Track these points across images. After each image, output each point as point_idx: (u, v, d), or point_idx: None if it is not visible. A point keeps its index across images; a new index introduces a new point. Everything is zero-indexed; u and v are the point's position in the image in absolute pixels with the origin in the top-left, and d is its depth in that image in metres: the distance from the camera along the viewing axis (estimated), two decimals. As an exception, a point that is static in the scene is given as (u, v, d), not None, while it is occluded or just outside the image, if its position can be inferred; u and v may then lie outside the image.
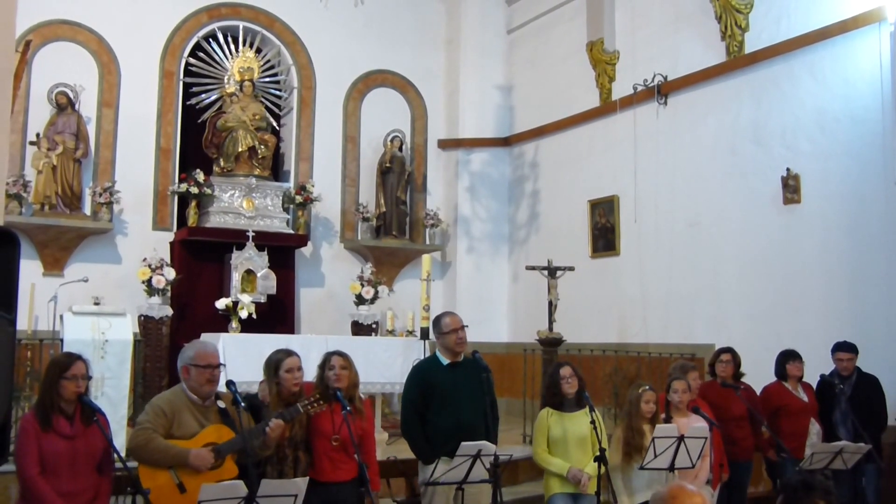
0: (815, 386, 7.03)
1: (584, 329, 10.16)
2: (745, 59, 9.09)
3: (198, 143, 11.04)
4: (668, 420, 5.79)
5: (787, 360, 6.94)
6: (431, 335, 6.20)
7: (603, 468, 5.38)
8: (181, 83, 11.13)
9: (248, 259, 10.20)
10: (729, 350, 6.94)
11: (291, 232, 11.12)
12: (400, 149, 12.08)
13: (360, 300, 10.92)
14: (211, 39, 11.30)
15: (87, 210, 10.24)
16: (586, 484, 5.56)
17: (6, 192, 8.63)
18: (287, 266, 11.02)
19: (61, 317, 7.43)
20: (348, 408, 4.82)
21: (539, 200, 12.00)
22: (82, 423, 4.37)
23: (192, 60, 11.16)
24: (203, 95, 11.09)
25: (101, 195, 10.14)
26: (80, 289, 9.51)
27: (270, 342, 8.00)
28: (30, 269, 9.58)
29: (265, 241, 10.46)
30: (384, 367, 8.49)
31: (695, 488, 2.57)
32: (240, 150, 10.77)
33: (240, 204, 10.67)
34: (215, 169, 10.86)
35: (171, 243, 10.68)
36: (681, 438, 5.38)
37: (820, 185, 8.31)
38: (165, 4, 11.05)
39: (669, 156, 9.88)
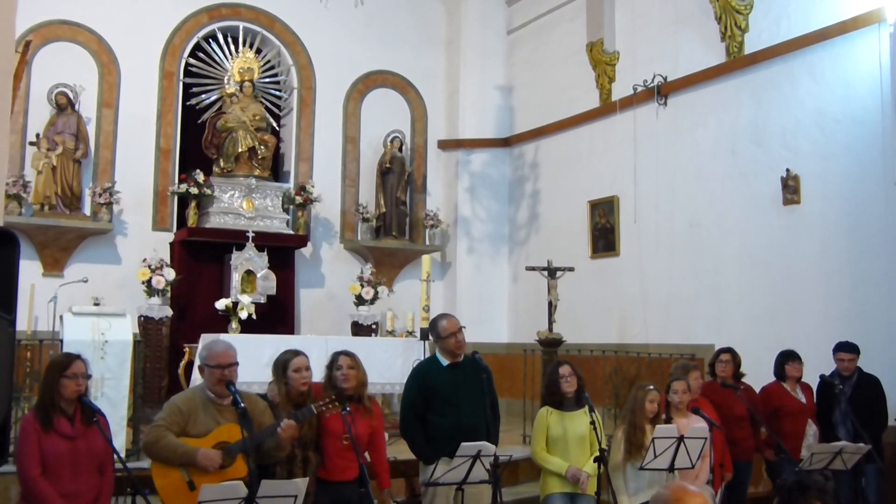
0: (814, 386, 7.03)
1: (584, 329, 10.16)
2: (745, 59, 9.09)
3: (198, 144, 11.04)
4: (668, 420, 5.79)
5: (787, 360, 6.94)
6: (430, 338, 6.20)
7: (602, 468, 5.38)
8: (181, 83, 11.13)
9: (247, 260, 10.20)
10: (729, 350, 6.94)
11: (291, 232, 11.12)
12: (400, 149, 12.08)
13: (360, 301, 10.92)
14: (211, 40, 11.30)
15: (87, 210, 10.24)
16: (585, 483, 5.56)
17: (6, 193, 8.62)
18: (287, 267, 11.02)
19: (61, 317, 7.43)
20: (348, 408, 4.82)
21: (539, 201, 12.00)
22: (83, 423, 4.38)
23: (192, 61, 11.17)
24: (203, 96, 11.09)
25: (100, 195, 10.14)
26: (80, 289, 9.51)
27: (270, 343, 8.02)
28: (29, 269, 9.58)
29: (265, 241, 10.46)
30: (384, 367, 8.49)
31: (696, 488, 2.57)
32: (240, 150, 10.77)
33: (240, 204, 10.67)
34: (215, 169, 10.86)
35: (171, 244, 10.69)
36: (681, 439, 5.38)
37: (820, 185, 8.31)
38: (165, 5, 11.05)
39: (669, 156, 9.88)
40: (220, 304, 9.72)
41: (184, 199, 10.73)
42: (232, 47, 11.26)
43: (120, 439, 6.54)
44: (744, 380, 6.91)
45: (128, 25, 10.76)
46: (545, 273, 9.20)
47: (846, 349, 6.81)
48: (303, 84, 11.90)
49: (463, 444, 4.96)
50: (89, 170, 10.40)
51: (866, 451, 6.05)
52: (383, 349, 8.78)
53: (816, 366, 6.97)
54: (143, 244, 10.32)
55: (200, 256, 10.49)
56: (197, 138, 11.08)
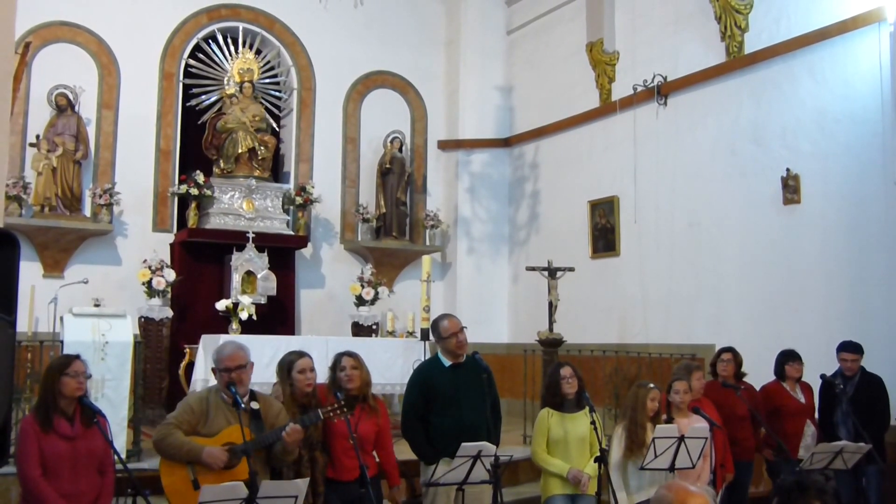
0: (814, 386, 7.03)
1: (584, 330, 10.16)
2: (745, 59, 9.09)
3: (198, 145, 11.04)
4: (669, 420, 5.79)
5: (787, 360, 6.94)
6: (431, 338, 6.20)
7: (602, 468, 5.38)
8: (181, 84, 11.13)
9: (248, 260, 10.20)
10: (730, 350, 6.94)
11: (291, 233, 11.12)
12: (400, 150, 12.07)
13: (361, 301, 10.92)
14: (210, 41, 11.31)
15: (87, 212, 10.25)
16: (586, 484, 5.55)
17: (6, 194, 8.63)
18: (287, 267, 11.02)
19: (61, 318, 7.43)
20: (350, 412, 4.82)
21: (539, 201, 12.00)
22: (82, 424, 4.38)
23: (191, 62, 11.17)
24: (203, 97, 11.09)
25: (100, 197, 10.14)
26: (81, 290, 9.52)
27: (271, 344, 8.03)
28: (30, 270, 9.59)
29: (265, 242, 10.46)
30: (384, 368, 8.49)
31: (698, 489, 2.57)
32: (240, 151, 10.77)
33: (240, 205, 10.67)
34: (215, 170, 10.86)
35: (171, 245, 10.69)
36: (681, 439, 5.38)
37: (820, 185, 8.31)
38: (165, 6, 11.06)
39: (669, 156, 9.88)
40: (221, 304, 9.73)
41: (184, 200, 10.73)
42: (231, 48, 11.26)
43: (121, 440, 6.54)
44: (744, 379, 6.91)
45: (127, 26, 10.76)
46: (545, 273, 9.19)
47: (849, 349, 6.78)
48: (303, 85, 11.90)
49: (463, 444, 4.96)
50: (89, 171, 10.40)
51: (867, 450, 6.05)
52: (383, 350, 8.79)
53: (816, 365, 6.97)
54: (144, 245, 10.33)
55: (201, 257, 10.49)
56: (197, 139, 11.08)
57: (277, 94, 11.64)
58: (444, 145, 12.73)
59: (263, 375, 6.12)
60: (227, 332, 9.26)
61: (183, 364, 9.26)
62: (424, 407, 5.40)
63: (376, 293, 10.94)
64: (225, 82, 11.12)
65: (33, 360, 8.50)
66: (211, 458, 4.39)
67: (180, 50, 11.16)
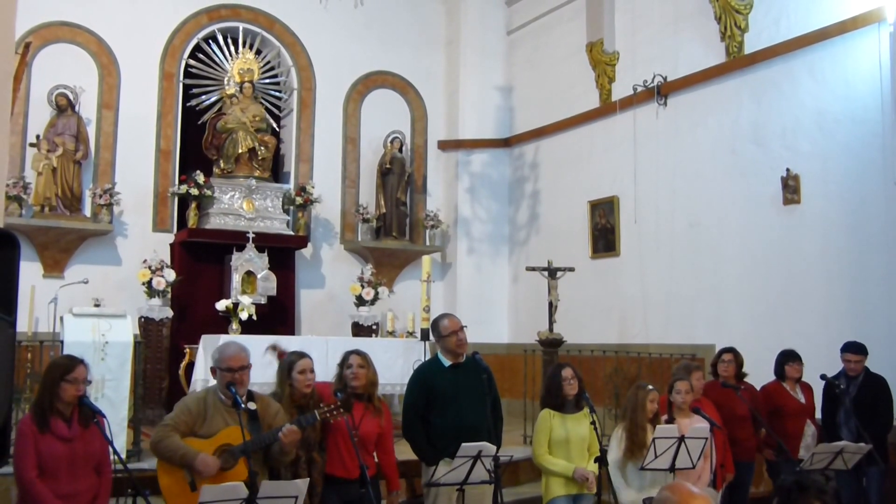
0: (814, 386, 7.02)
1: (584, 330, 10.16)
2: (745, 59, 9.09)
3: (198, 145, 11.04)
4: (670, 420, 5.79)
5: (787, 360, 6.94)
6: (431, 338, 6.21)
7: (603, 468, 5.39)
8: (181, 85, 11.13)
9: (248, 260, 10.20)
10: (731, 350, 6.93)
11: (291, 233, 11.12)
12: (400, 150, 12.07)
13: (361, 301, 10.92)
14: (210, 41, 11.30)
15: (87, 212, 10.25)
16: (593, 483, 5.56)
17: (6, 194, 8.63)
18: (287, 267, 11.02)
19: (61, 318, 7.43)
20: (348, 413, 4.82)
21: (539, 201, 12.00)
22: (80, 424, 4.37)
23: (191, 62, 11.17)
24: (203, 97, 11.09)
25: (101, 197, 10.14)
26: (81, 290, 9.52)
27: (271, 343, 8.01)
28: (30, 270, 9.59)
29: (265, 242, 10.46)
30: (384, 368, 8.43)
31: (700, 490, 2.57)
32: (240, 151, 10.76)
33: (240, 205, 10.67)
34: (215, 170, 10.86)
35: (172, 245, 10.69)
36: (681, 439, 5.38)
37: (820, 185, 8.31)
38: (165, 6, 11.05)
39: (669, 156, 9.88)
40: (221, 304, 9.73)
41: (184, 200, 10.73)
42: (232, 48, 11.26)
43: (120, 440, 6.54)
44: (745, 380, 6.91)
45: (128, 27, 10.76)
46: (545, 273, 9.19)
47: (853, 350, 6.75)
48: (303, 85, 11.90)
49: (464, 444, 4.96)
50: (89, 171, 10.40)
51: (867, 451, 6.05)
52: (384, 350, 8.78)
53: (817, 366, 6.96)
54: (144, 245, 10.32)
55: (201, 257, 10.49)
56: (197, 139, 11.08)
57: (277, 94, 11.64)
58: (444, 145, 12.73)
59: (262, 375, 6.11)
60: (227, 333, 9.26)
61: (183, 364, 9.26)
62: (425, 407, 5.41)
63: (376, 293, 10.94)
64: (225, 82, 11.11)
65: (33, 361, 8.51)
66: (203, 466, 4.38)
67: (180, 50, 11.16)
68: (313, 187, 11.41)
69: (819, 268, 8.24)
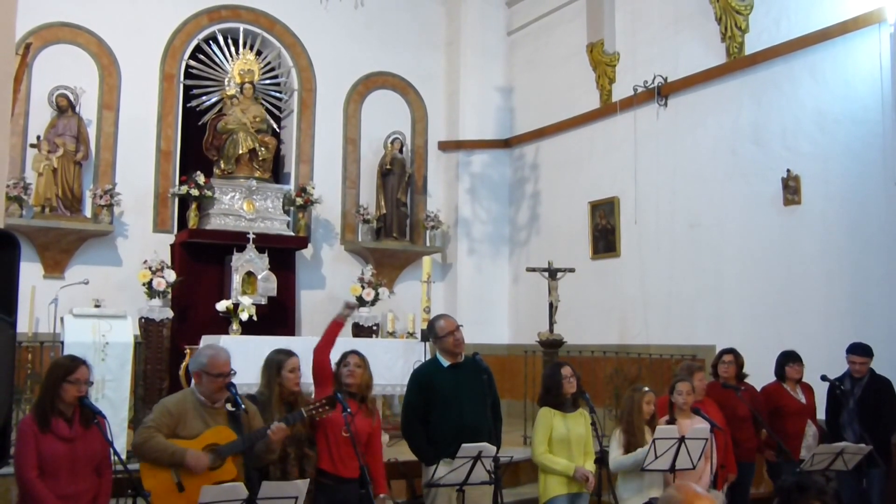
0: (814, 387, 7.02)
1: (584, 330, 10.16)
2: (745, 60, 9.09)
3: (198, 146, 11.04)
4: (671, 421, 5.80)
5: (787, 361, 6.94)
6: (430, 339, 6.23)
7: (603, 468, 5.40)
8: (181, 85, 11.13)
9: (248, 261, 10.20)
10: (731, 351, 6.94)
11: (292, 234, 11.12)
12: (400, 150, 12.07)
13: (361, 302, 10.92)
14: (211, 42, 11.30)
15: (88, 212, 10.25)
16: (593, 482, 5.58)
17: (7, 195, 8.63)
18: (287, 268, 11.02)
19: (62, 319, 7.43)
20: (349, 410, 4.82)
21: (539, 202, 12.00)
22: (81, 425, 4.37)
23: (192, 63, 11.17)
24: (203, 98, 11.09)
25: (101, 197, 10.14)
26: (81, 291, 9.52)
27: (271, 344, 7.99)
28: (30, 271, 9.59)
29: (266, 243, 10.46)
30: (385, 368, 8.47)
31: (704, 491, 2.58)
32: (240, 152, 10.77)
33: (240, 206, 10.67)
34: (216, 171, 10.86)
35: (172, 245, 10.69)
36: (681, 440, 5.38)
37: (820, 185, 8.31)
38: (166, 7, 11.06)
39: (670, 157, 9.89)
40: (221, 305, 9.73)
41: (184, 201, 10.73)
42: (232, 49, 11.26)
43: (121, 441, 6.53)
44: (745, 380, 6.91)
45: (128, 27, 10.76)
46: (546, 274, 9.19)
47: (858, 352, 6.73)
48: (303, 86, 11.90)
49: (464, 445, 4.97)
50: (90, 172, 10.40)
51: (867, 451, 6.04)
52: (384, 350, 8.78)
53: (817, 366, 6.96)
54: (144, 246, 10.33)
55: (201, 258, 10.49)
56: (197, 140, 11.08)
57: (278, 95, 11.64)
58: (445, 146, 12.73)
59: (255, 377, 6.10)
60: (227, 333, 9.26)
61: (183, 365, 9.24)
62: (424, 408, 5.41)
63: (377, 294, 10.94)
64: (225, 83, 11.11)
65: (34, 361, 8.52)
66: (195, 462, 4.38)
67: (181, 51, 11.17)
68: (314, 188, 11.41)
69: (819, 268, 8.24)
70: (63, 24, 10.44)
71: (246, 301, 9.69)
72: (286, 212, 11.17)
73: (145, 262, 9.82)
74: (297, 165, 11.74)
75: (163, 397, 9.44)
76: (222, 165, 10.85)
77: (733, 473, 6.34)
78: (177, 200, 10.84)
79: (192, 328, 9.85)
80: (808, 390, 6.99)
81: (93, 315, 7.14)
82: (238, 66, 11.13)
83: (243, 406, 4.55)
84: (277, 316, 10.60)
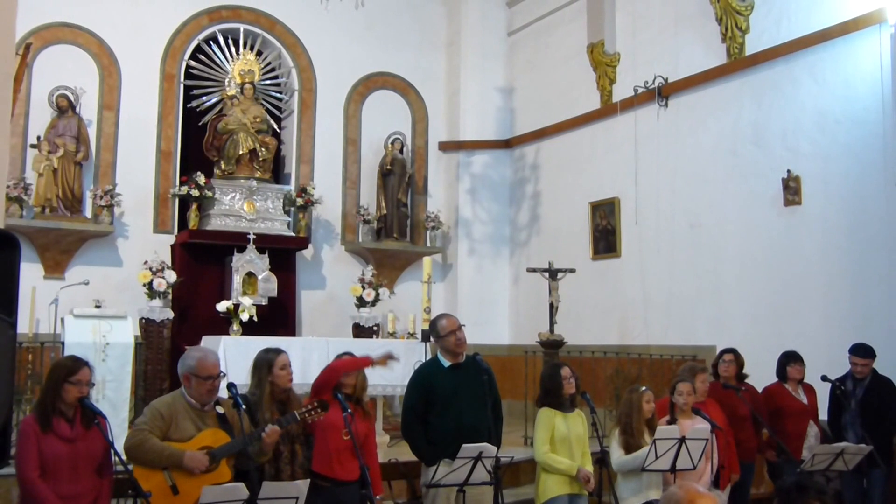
0: (815, 387, 7.02)
1: (585, 331, 10.16)
2: (746, 60, 9.09)
3: (198, 146, 11.04)
4: (671, 421, 5.80)
5: (788, 362, 6.94)
6: (431, 339, 6.22)
7: (603, 468, 5.41)
8: (182, 86, 11.13)
9: (248, 262, 10.20)
10: (731, 351, 6.94)
11: (292, 234, 11.13)
12: (401, 151, 12.08)
13: (361, 302, 10.92)
14: (211, 42, 11.31)
15: (88, 213, 10.25)
16: (593, 484, 5.59)
17: (7, 195, 8.63)
18: (288, 268, 11.02)
19: (62, 320, 7.45)
20: (349, 410, 4.82)
21: (540, 202, 12.00)
22: (82, 425, 4.37)
23: (192, 63, 11.16)
24: (204, 98, 11.08)
25: (101, 198, 10.14)
26: (81, 292, 9.52)
27: (272, 345, 8.01)
28: (31, 272, 9.58)
29: (266, 243, 10.46)
30: (385, 369, 8.46)
31: (706, 490, 2.59)
32: (241, 152, 10.77)
33: (241, 206, 10.67)
34: (216, 171, 10.86)
35: (172, 246, 10.69)
36: (682, 440, 5.38)
37: (821, 186, 8.31)
38: (166, 7, 11.06)
39: (670, 158, 9.88)
40: (222, 306, 9.72)
41: (185, 202, 10.73)
42: (232, 49, 11.26)
43: (121, 441, 6.52)
44: (746, 381, 6.91)
45: (128, 28, 10.76)
46: (546, 274, 9.19)
47: (860, 354, 6.73)
48: (303, 86, 11.90)
49: (464, 445, 4.96)
50: (90, 172, 10.40)
51: (867, 452, 6.04)
52: (384, 351, 8.76)
53: (818, 366, 6.97)
54: (144, 246, 10.32)
55: (201, 258, 10.49)
56: (198, 140, 11.08)
57: (278, 95, 11.64)
58: (445, 147, 12.73)
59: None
60: (227, 334, 9.25)
61: (184, 365, 9.25)
62: (424, 408, 5.41)
63: (377, 294, 10.93)
64: (226, 84, 11.11)
65: (34, 362, 8.51)
66: (193, 462, 4.38)
67: (181, 51, 11.17)
68: (314, 188, 11.41)
69: (820, 269, 8.24)
70: (63, 25, 10.44)
71: (246, 301, 9.69)
72: (286, 212, 11.17)
73: (146, 262, 9.82)
74: (298, 166, 11.74)
75: (154, 401, 9.51)
76: (223, 166, 10.85)
77: (736, 473, 6.34)
78: (177, 201, 10.84)
79: (192, 329, 9.85)
80: (809, 391, 6.99)
81: (93, 316, 7.15)
82: (238, 67, 11.13)
83: (244, 406, 4.55)
84: (278, 316, 10.60)
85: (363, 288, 10.90)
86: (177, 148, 11.05)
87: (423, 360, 8.37)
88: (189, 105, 11.11)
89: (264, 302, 10.12)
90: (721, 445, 5.95)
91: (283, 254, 10.93)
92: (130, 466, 4.43)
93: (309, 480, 4.53)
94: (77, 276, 9.91)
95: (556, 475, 5.62)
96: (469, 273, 12.38)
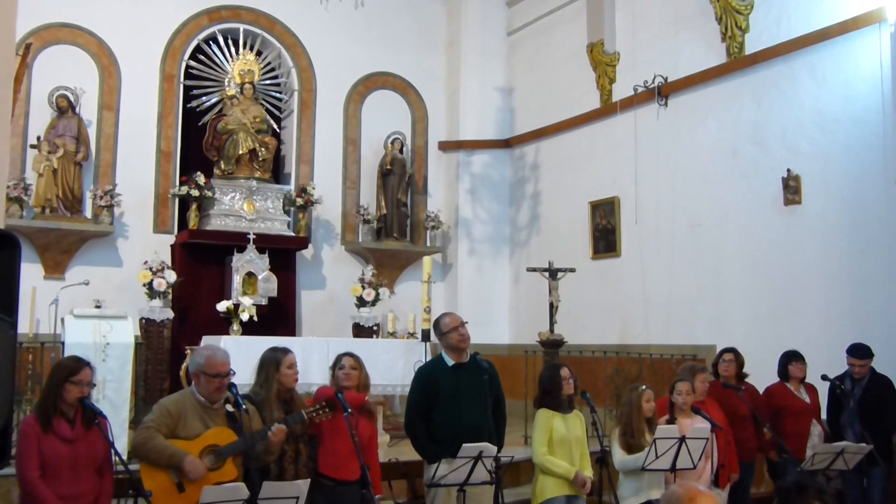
0: (817, 386, 7.02)
1: (585, 330, 10.16)
2: (746, 60, 9.09)
3: (198, 146, 11.04)
4: (671, 421, 5.80)
5: (790, 361, 6.94)
6: (434, 338, 6.23)
7: (604, 468, 5.41)
8: (182, 86, 11.13)
9: (248, 261, 10.20)
10: (731, 350, 6.94)
11: (292, 234, 11.13)
12: (401, 151, 12.08)
13: (362, 302, 10.92)
14: (211, 42, 11.30)
15: (88, 213, 10.25)
16: (589, 487, 5.59)
17: (7, 196, 8.63)
18: (288, 268, 11.02)
19: (62, 320, 7.44)
20: (349, 410, 4.82)
21: (540, 202, 12.00)
22: (83, 426, 4.37)
23: (192, 63, 11.16)
24: (203, 98, 11.08)
25: (101, 198, 10.14)
26: (82, 292, 9.52)
27: (272, 345, 8.01)
28: (31, 272, 9.58)
29: (266, 243, 10.46)
30: (385, 369, 8.47)
31: (707, 489, 2.59)
32: (240, 152, 10.77)
33: (240, 206, 10.67)
34: (216, 171, 10.86)
35: (172, 246, 10.69)
36: (682, 439, 5.38)
37: (820, 185, 8.31)
38: (166, 7, 11.06)
39: (670, 157, 9.88)
40: (222, 306, 9.72)
41: (185, 202, 10.73)
42: (232, 49, 11.26)
43: (122, 441, 6.53)
44: (746, 380, 6.91)
45: (128, 28, 10.76)
46: (546, 274, 9.20)
47: (857, 355, 6.73)
48: (303, 86, 11.90)
49: (464, 444, 4.96)
50: (90, 172, 10.40)
51: (868, 451, 6.04)
52: (385, 351, 8.77)
53: (818, 366, 6.97)
54: (145, 246, 10.32)
55: (201, 258, 10.49)
56: (198, 140, 11.08)
57: (278, 95, 11.64)
58: (445, 146, 12.73)
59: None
60: (227, 334, 9.26)
61: (184, 365, 9.21)
62: (427, 406, 5.42)
63: (377, 294, 10.93)
64: (226, 84, 11.12)
65: (34, 362, 8.52)
66: (191, 467, 4.37)
67: (181, 51, 11.17)
68: (314, 188, 11.41)
69: (820, 268, 8.24)
70: (63, 25, 10.44)
71: (246, 301, 9.69)
72: (286, 212, 11.17)
73: (146, 262, 9.82)
74: (298, 166, 11.74)
75: (163, 398, 9.53)
76: (222, 166, 10.85)
77: (735, 473, 6.34)
78: (177, 201, 10.84)
79: (192, 329, 9.86)
80: (811, 390, 6.98)
81: (93, 316, 7.14)
82: (238, 67, 11.13)
83: (244, 406, 4.55)
84: (278, 316, 10.60)
85: (363, 288, 10.90)
86: (177, 148, 11.06)
87: (423, 360, 8.39)
88: (189, 105, 11.11)
89: (264, 302, 10.12)
90: (721, 445, 5.95)
91: (283, 254, 10.93)
92: (131, 466, 4.43)
93: (309, 480, 4.53)
94: (77, 276, 9.92)
95: (555, 477, 5.62)
96: (469, 273, 12.38)
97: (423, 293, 9.20)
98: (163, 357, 9.78)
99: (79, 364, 4.43)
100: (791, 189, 8.53)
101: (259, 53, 11.53)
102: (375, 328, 11.01)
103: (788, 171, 8.55)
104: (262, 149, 10.91)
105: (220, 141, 10.88)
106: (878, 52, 7.74)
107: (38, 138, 9.94)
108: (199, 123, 11.07)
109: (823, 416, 7.02)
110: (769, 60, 8.85)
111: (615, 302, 10.47)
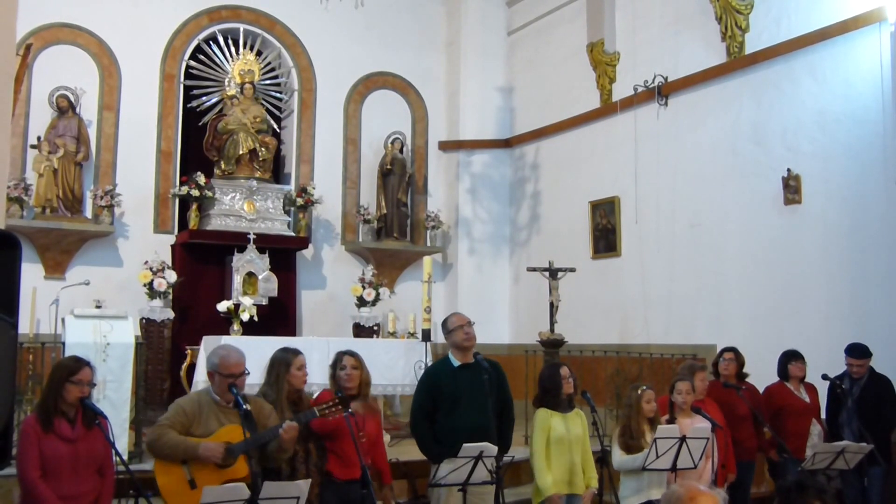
0: (816, 386, 7.02)
1: (585, 330, 10.16)
2: (746, 59, 9.09)
3: (198, 146, 11.05)
4: (671, 421, 5.80)
5: (790, 360, 6.94)
6: (440, 338, 6.25)
7: (605, 468, 5.41)
8: (182, 86, 11.13)
9: (249, 261, 10.21)
10: (732, 350, 6.94)
11: (292, 234, 11.13)
12: (401, 151, 12.08)
13: (362, 302, 10.93)
14: (211, 42, 11.31)
15: (89, 213, 10.25)
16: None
17: (7, 196, 8.64)
18: (288, 268, 11.02)
19: (63, 320, 7.44)
20: (349, 411, 4.82)
21: (540, 202, 12.00)
22: (84, 426, 4.38)
23: (192, 63, 11.17)
24: (204, 98, 11.09)
25: (102, 198, 10.15)
26: (82, 292, 9.52)
27: (272, 345, 8.00)
28: (31, 272, 9.59)
29: (266, 243, 10.47)
30: (386, 369, 8.47)
31: (708, 489, 2.59)
32: (241, 152, 10.77)
33: (241, 206, 10.68)
34: (216, 171, 10.86)
35: (173, 246, 10.69)
36: (682, 439, 5.38)
37: (821, 185, 8.31)
38: (166, 7, 11.06)
39: (670, 157, 9.89)
40: (222, 306, 9.73)
41: (185, 202, 10.73)
42: (232, 49, 11.26)
43: (122, 442, 6.54)
44: (746, 380, 6.91)
45: (128, 28, 10.76)
46: (546, 274, 9.20)
47: (855, 355, 6.74)
48: (303, 86, 11.90)
49: (465, 444, 4.96)
50: (90, 172, 10.40)
51: (868, 450, 6.04)
52: (385, 351, 8.77)
53: (818, 365, 6.97)
54: (145, 246, 10.33)
55: (202, 258, 10.50)
56: (198, 141, 11.08)
57: (278, 95, 11.64)
58: (445, 146, 12.73)
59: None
60: (228, 334, 9.27)
61: (184, 365, 9.26)
62: (432, 406, 5.43)
63: (377, 294, 10.94)
64: (226, 84, 11.12)
65: (35, 362, 8.52)
66: (208, 452, 4.40)
67: (181, 51, 11.17)
68: (314, 188, 11.42)
69: (820, 268, 8.24)
70: (63, 25, 10.44)
71: (247, 301, 9.70)
72: (287, 212, 11.17)
73: (146, 262, 9.83)
74: (298, 166, 11.75)
75: (164, 398, 9.55)
76: (223, 166, 10.85)
77: (733, 473, 6.34)
78: (177, 201, 10.84)
79: (193, 329, 9.86)
80: (811, 390, 6.98)
81: (94, 316, 7.14)
82: (238, 67, 11.13)
83: (245, 406, 4.54)
84: (278, 316, 10.60)
85: (363, 287, 10.91)
86: (177, 148, 11.06)
87: (423, 360, 8.40)
88: (189, 105, 11.12)
89: (264, 302, 10.13)
90: (721, 444, 5.95)
91: (284, 254, 10.93)
92: (132, 466, 4.43)
93: (310, 480, 4.53)
94: (77, 276, 9.92)
95: (551, 476, 5.62)
96: (469, 272, 12.38)
97: (424, 293, 9.20)
98: (163, 357, 9.79)
99: (79, 364, 4.43)
100: (791, 189, 8.53)
101: (259, 53, 11.53)
102: (376, 328, 11.01)
103: (788, 170, 8.55)
104: (263, 149, 10.91)
105: (220, 141, 10.89)
106: (878, 51, 7.74)
107: (39, 138, 9.94)
108: (200, 123, 11.07)
109: (823, 415, 7.02)
110: (769, 60, 8.85)
111: (615, 301, 10.48)
